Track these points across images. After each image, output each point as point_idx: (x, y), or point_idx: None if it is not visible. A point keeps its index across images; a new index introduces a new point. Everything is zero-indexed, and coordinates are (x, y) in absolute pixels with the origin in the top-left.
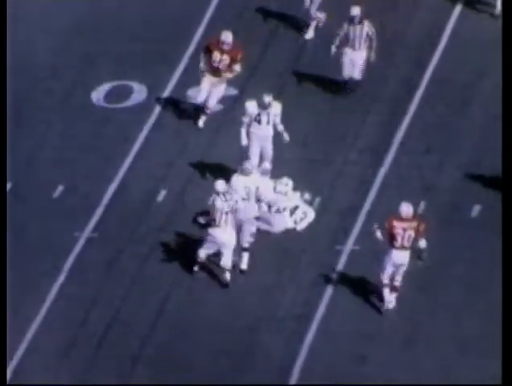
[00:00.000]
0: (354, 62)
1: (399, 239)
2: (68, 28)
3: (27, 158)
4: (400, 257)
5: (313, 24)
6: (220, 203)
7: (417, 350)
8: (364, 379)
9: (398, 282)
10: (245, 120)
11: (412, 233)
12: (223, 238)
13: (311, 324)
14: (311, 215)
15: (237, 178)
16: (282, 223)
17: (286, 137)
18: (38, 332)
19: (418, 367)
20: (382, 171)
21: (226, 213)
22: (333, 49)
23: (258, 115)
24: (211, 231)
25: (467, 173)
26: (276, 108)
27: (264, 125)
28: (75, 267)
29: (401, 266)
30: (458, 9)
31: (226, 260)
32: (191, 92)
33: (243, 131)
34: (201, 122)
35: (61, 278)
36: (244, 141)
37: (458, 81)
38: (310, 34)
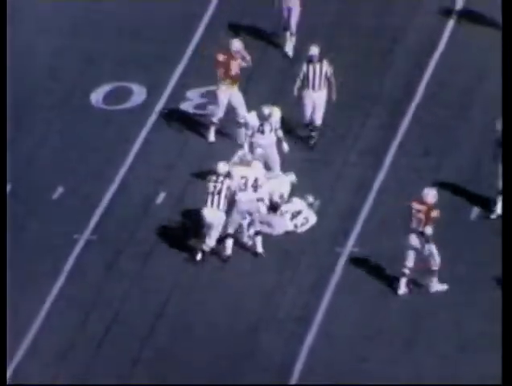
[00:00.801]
0: (315, 104)
1: (414, 221)
2: (67, 29)
3: (27, 160)
4: (412, 240)
5: (293, 40)
6: (208, 183)
7: (418, 350)
8: (364, 380)
9: (435, 267)
10: (248, 132)
11: (422, 217)
12: (209, 218)
13: (311, 326)
14: (312, 220)
15: (235, 167)
16: (283, 225)
17: (285, 147)
18: (37, 333)
19: (418, 366)
20: (382, 173)
21: (213, 194)
22: (295, 92)
23: (261, 125)
24: (202, 211)
25: (466, 175)
26: (276, 115)
27: (267, 133)
28: (74, 269)
29: (416, 251)
30: (457, 12)
31: (209, 241)
32: (190, 94)
33: (245, 145)
34: (212, 136)
35: (61, 280)
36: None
37: (457, 84)
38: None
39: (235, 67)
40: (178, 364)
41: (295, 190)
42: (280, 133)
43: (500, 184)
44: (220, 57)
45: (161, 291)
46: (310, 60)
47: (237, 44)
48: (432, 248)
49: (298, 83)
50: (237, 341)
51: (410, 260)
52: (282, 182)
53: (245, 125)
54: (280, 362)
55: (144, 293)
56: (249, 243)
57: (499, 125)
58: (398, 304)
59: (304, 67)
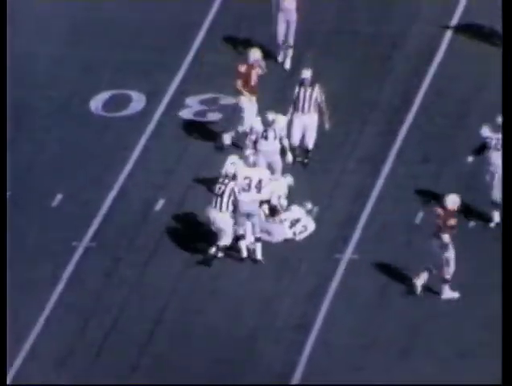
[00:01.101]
0: (306, 127)
1: (435, 226)
2: (66, 36)
3: (26, 167)
4: (433, 244)
5: (290, 52)
6: (216, 185)
7: (416, 356)
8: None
9: (447, 275)
10: (252, 137)
11: (441, 223)
12: (212, 218)
13: (310, 333)
14: (311, 228)
15: (240, 168)
16: (282, 233)
17: (290, 157)
18: (37, 340)
19: (417, 373)
20: (380, 181)
21: (217, 195)
22: (289, 116)
23: (265, 131)
24: (206, 211)
25: (464, 183)
26: (281, 122)
27: (271, 140)
28: (73, 276)
29: (435, 254)
30: (456, 20)
31: (225, 240)
32: (189, 101)
33: (247, 150)
34: (228, 139)
35: (60, 287)
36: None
37: (456, 92)
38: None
39: (255, 76)
40: (176, 371)
41: (294, 198)
42: (286, 142)
43: (493, 194)
44: (242, 68)
45: (160, 298)
46: (301, 83)
47: (256, 54)
48: (447, 257)
49: (292, 108)
50: (235, 348)
51: (432, 263)
52: (280, 184)
53: (250, 130)
54: (278, 369)
55: (143, 300)
56: (249, 249)
57: (485, 132)
58: (397, 311)
59: (296, 90)
